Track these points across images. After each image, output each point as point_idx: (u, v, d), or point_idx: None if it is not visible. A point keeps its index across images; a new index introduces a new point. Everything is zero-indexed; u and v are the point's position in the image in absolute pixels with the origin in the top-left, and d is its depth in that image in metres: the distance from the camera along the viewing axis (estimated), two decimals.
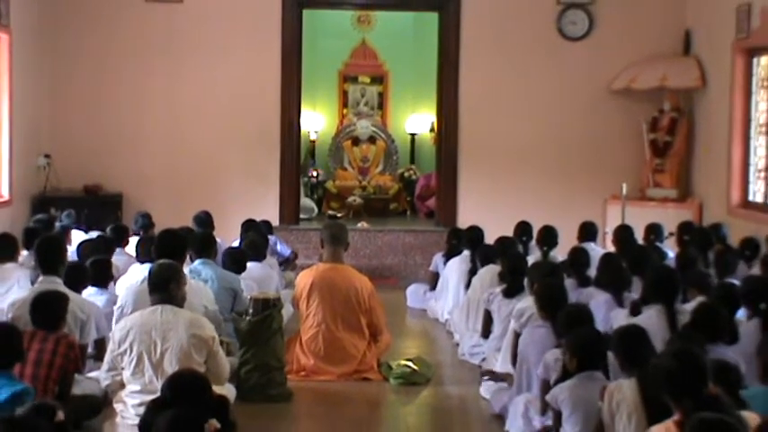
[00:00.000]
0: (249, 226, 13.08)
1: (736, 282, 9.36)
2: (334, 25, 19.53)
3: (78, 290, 9.39)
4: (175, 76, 15.77)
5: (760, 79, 14.17)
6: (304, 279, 10.65)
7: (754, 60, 14.26)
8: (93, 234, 12.40)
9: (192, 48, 15.72)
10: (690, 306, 8.77)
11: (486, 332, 10.83)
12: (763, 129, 14.05)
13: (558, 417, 7.60)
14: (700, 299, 9.06)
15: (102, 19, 15.68)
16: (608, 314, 9.20)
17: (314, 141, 19.99)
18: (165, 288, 8.32)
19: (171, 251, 9.80)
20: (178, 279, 8.44)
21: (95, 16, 15.68)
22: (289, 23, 15.98)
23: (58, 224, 12.85)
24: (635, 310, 8.93)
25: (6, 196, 14.40)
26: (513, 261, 10.87)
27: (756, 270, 10.38)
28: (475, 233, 12.97)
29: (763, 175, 14.05)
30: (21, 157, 14.70)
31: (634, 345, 7.11)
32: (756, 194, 14.19)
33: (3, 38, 14.11)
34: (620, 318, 8.79)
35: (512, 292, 10.37)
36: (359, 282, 10.62)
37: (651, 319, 8.41)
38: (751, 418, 5.66)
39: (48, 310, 8.08)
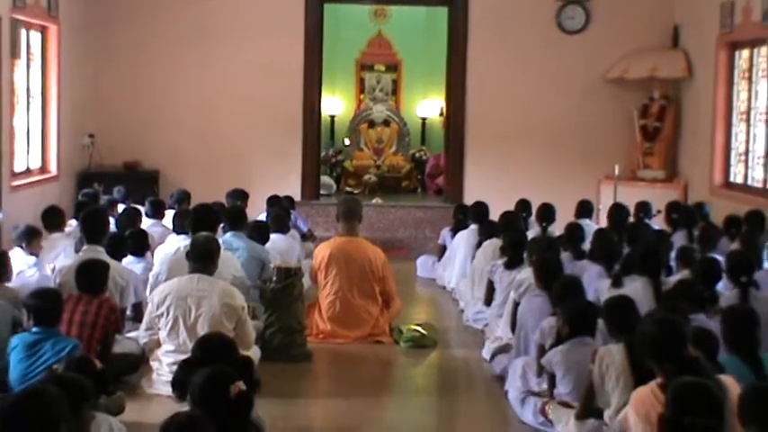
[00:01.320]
0: (273, 201, 13.11)
1: (719, 256, 9.39)
2: (353, 18, 19.49)
3: (118, 258, 9.45)
4: (207, 63, 15.77)
5: (741, 71, 14.14)
6: (322, 251, 10.68)
7: (737, 53, 14.24)
8: (133, 207, 12.45)
9: (221, 38, 15.70)
10: (674, 278, 8.83)
11: (488, 300, 10.85)
12: (744, 116, 14.02)
13: (552, 378, 7.64)
14: (684, 272, 9.10)
15: (141, 11, 15.69)
16: (599, 284, 9.21)
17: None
18: (205, 260, 8.40)
19: (206, 224, 9.88)
20: (217, 253, 8.52)
21: (135, 8, 15.68)
22: (311, 16, 15.96)
23: (105, 198, 12.91)
24: (617, 281, 8.98)
25: (55, 172, 14.43)
26: (514, 236, 10.90)
27: (737, 245, 10.38)
28: (480, 208, 12.99)
29: (742, 158, 14.05)
30: (67, 136, 14.72)
31: (622, 313, 7.13)
32: (737, 176, 14.19)
33: (52, 29, 14.14)
34: (608, 288, 8.81)
35: (512, 264, 10.39)
36: (372, 253, 10.66)
37: (638, 291, 8.44)
38: (728, 381, 5.69)
39: (91, 276, 8.14)
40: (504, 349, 9.38)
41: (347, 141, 19.58)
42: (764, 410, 4.93)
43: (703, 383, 4.71)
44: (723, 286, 8.54)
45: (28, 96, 13.71)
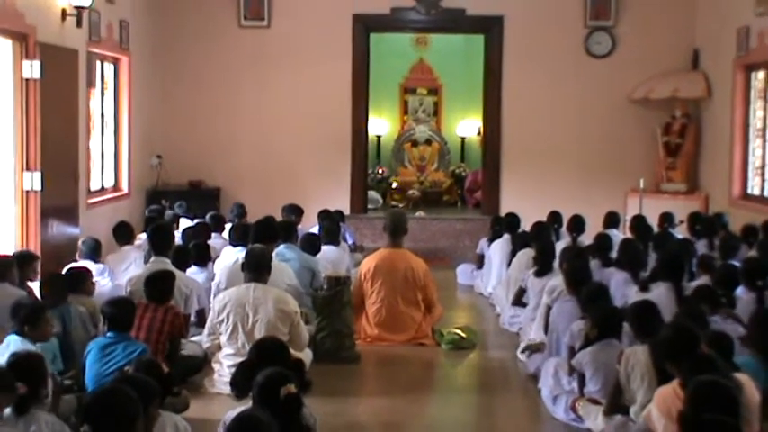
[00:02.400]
0: (324, 215, 13.14)
1: (737, 263, 9.33)
2: (397, 46, 19.52)
3: (183, 268, 9.52)
4: (263, 89, 15.84)
5: (757, 91, 14.05)
6: (368, 263, 10.69)
7: (752, 75, 14.15)
8: (196, 221, 12.55)
9: (276, 65, 15.78)
10: (695, 284, 8.78)
11: (516, 301, 10.94)
12: (760, 133, 13.92)
13: (581, 377, 7.62)
14: (705, 278, 9.05)
15: (203, 42, 15.80)
16: (626, 290, 9.18)
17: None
18: (259, 270, 8.46)
19: (267, 236, 9.97)
20: (269, 263, 8.59)
21: (198, 40, 15.79)
22: (358, 44, 16.01)
23: (169, 213, 13.02)
24: (644, 287, 8.94)
25: (126, 190, 14.56)
26: (544, 246, 10.88)
27: (755, 253, 10.31)
28: (512, 219, 13.02)
29: (759, 172, 13.96)
30: (137, 157, 14.85)
31: (646, 316, 7.12)
32: (754, 188, 14.08)
33: (124, 60, 14.29)
34: (632, 293, 8.78)
35: (542, 271, 10.39)
36: (415, 263, 10.66)
37: (661, 295, 8.41)
38: (744, 379, 5.65)
39: (159, 286, 8.22)
40: (536, 348, 9.39)
41: (381, 170, 19.53)
42: None
43: (720, 382, 4.69)
44: (741, 291, 8.48)
45: (102, 121, 13.83)
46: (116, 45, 13.82)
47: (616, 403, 6.93)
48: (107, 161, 14.10)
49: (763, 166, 13.83)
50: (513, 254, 12.17)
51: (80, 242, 10.55)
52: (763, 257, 9.83)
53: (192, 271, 9.95)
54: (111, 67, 14.15)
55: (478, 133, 18.73)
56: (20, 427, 5.29)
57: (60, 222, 11.56)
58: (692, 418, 4.46)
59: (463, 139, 20.23)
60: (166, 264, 9.16)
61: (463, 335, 10.41)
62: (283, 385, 5.01)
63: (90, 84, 12.98)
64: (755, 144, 14.07)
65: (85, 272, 8.80)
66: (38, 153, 10.81)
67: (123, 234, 11.10)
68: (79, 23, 11.92)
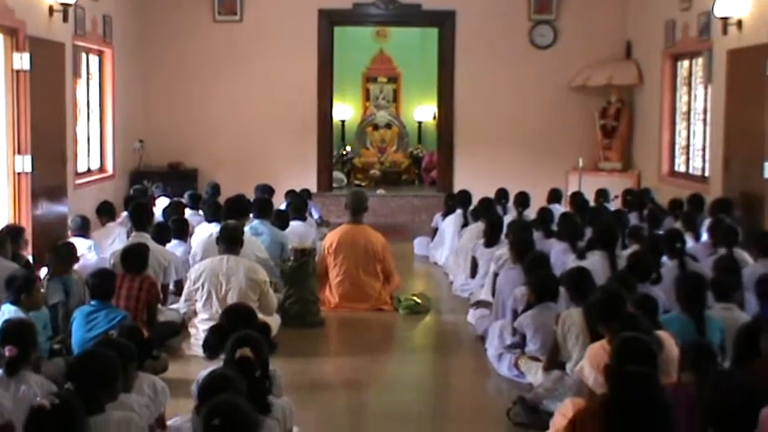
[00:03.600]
0: (291, 194, 13.15)
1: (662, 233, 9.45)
2: (359, 38, 19.41)
3: (163, 242, 9.53)
4: (236, 78, 15.76)
5: (682, 78, 14.16)
6: (331, 238, 10.71)
7: (678, 63, 14.25)
8: (175, 200, 12.53)
9: (248, 56, 15.70)
10: (627, 252, 8.87)
11: (472, 273, 10.91)
12: (685, 116, 14.03)
13: (523, 338, 7.69)
14: (635, 247, 9.14)
15: (180, 35, 15.69)
16: (565, 259, 9.26)
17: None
18: (232, 243, 8.49)
19: (237, 212, 9.98)
20: (241, 237, 8.63)
21: (176, 33, 15.68)
22: (323, 37, 15.95)
23: (150, 193, 12.98)
24: (580, 255, 9.02)
25: (111, 172, 14.44)
26: (493, 219, 10.94)
27: (680, 224, 10.41)
28: (464, 196, 13.04)
29: (684, 151, 14.07)
30: (121, 141, 14.73)
31: (580, 282, 7.18)
32: (680, 166, 14.20)
33: (108, 52, 14.16)
34: (570, 261, 8.86)
35: (490, 243, 10.46)
36: (374, 237, 10.69)
37: (596, 263, 8.48)
38: (665, 336, 5.74)
39: (133, 258, 8.22)
40: (484, 304, 9.45)
41: (348, 149, 19.51)
42: (698, 359, 5.02)
43: (641, 338, 4.76)
44: (666, 258, 8.58)
45: (88, 109, 13.72)
46: (100, 38, 13.70)
47: (554, 360, 6.99)
48: (93, 145, 13.98)
49: (687, 146, 13.95)
50: (464, 227, 12.24)
51: (70, 220, 10.53)
52: (688, 228, 9.97)
53: (172, 245, 9.94)
54: (96, 59, 14.02)
55: (434, 118, 18.73)
56: (11, 387, 5.31)
57: (50, 202, 11.49)
58: (616, 370, 4.53)
59: (420, 123, 20.20)
60: (146, 238, 9.16)
61: (419, 301, 10.47)
62: (240, 348, 5.03)
63: (76, 74, 12.86)
64: (681, 126, 14.19)
65: (72, 247, 8.79)
66: (28, 138, 10.73)
67: (106, 212, 11.08)
68: (65, 18, 11.80)
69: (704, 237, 9.90)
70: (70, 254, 8.40)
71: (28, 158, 10.72)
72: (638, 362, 4.48)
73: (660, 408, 4.24)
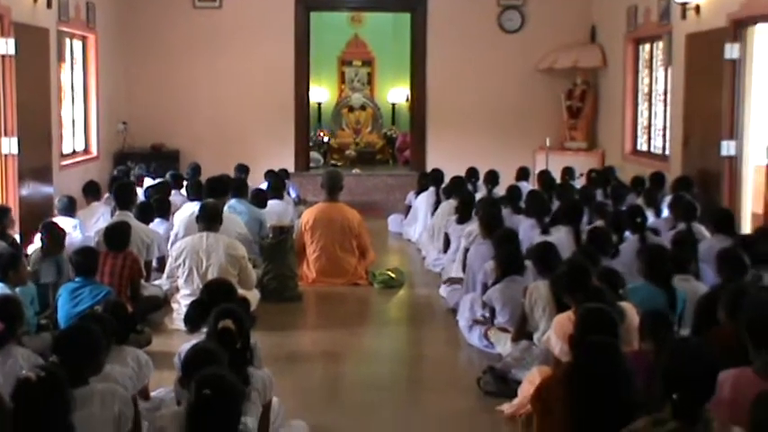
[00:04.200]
0: (270, 173, 13.12)
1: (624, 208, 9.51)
2: (334, 23, 19.30)
3: (146, 221, 9.48)
4: (217, 62, 15.67)
5: (644, 61, 14.17)
6: (307, 216, 10.69)
7: (640, 47, 14.26)
8: (157, 180, 12.49)
9: (228, 41, 15.59)
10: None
11: (445, 249, 10.92)
12: (647, 97, 14.04)
13: (492, 311, 7.72)
14: (599, 222, 9.17)
15: (162, 21, 15.58)
16: (532, 234, 9.27)
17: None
18: (211, 221, 8.48)
19: (217, 191, 9.95)
20: (220, 215, 8.60)
21: (157, 19, 15.56)
22: (300, 22, 15.87)
23: (133, 173, 12.92)
24: (546, 230, 9.05)
25: (95, 153, 14.37)
26: (464, 197, 10.95)
27: (641, 200, 10.46)
28: (436, 174, 13.02)
29: (646, 130, 14.11)
30: (105, 124, 14.64)
31: (546, 256, 7.20)
32: (642, 145, 14.23)
33: (91, 37, 14.04)
34: (538, 236, 8.88)
35: (462, 219, 10.46)
36: (350, 214, 10.68)
37: (562, 238, 8.52)
38: (627, 307, 5.77)
39: (115, 236, 8.19)
40: (456, 281, 9.47)
41: (321, 134, 19.44)
42: (656, 328, 5.05)
43: (603, 309, 4.78)
44: (628, 233, 8.62)
45: (72, 92, 13.61)
46: (83, 24, 13.58)
47: (522, 331, 7.02)
48: (77, 127, 13.89)
49: (649, 126, 13.99)
50: (436, 204, 12.24)
51: (57, 200, 10.47)
52: (649, 204, 10.02)
53: (156, 223, 9.89)
54: (80, 43, 13.89)
55: (407, 100, 18.68)
56: None
57: (36, 182, 11.42)
58: (580, 340, 4.55)
59: (394, 104, 20.14)
60: (129, 217, 9.13)
61: (393, 275, 10.48)
62: (222, 320, 5.03)
63: (60, 59, 12.75)
64: (643, 107, 14.21)
65: (58, 228, 8.74)
66: (14, 121, 10.64)
67: (92, 192, 11.01)
68: (49, 5, 11.70)
69: (665, 212, 9.97)
70: (61, 234, 8.37)
71: (14, 140, 10.64)
72: (600, 332, 4.51)
73: (621, 375, 4.28)
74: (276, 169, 13.56)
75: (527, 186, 12.17)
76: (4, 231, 8.64)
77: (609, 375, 4.28)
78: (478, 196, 11.56)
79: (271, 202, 11.33)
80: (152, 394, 5.87)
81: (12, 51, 10.52)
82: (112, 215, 9.81)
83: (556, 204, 10.11)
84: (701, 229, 8.87)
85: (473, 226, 9.71)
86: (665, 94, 13.12)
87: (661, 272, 6.66)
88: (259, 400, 4.91)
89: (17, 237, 9.45)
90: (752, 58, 10.69)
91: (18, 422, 3.77)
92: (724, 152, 10.82)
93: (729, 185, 10.83)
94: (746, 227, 10.55)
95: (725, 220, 8.50)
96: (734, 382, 4.09)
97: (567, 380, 4.50)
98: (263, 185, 12.23)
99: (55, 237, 8.21)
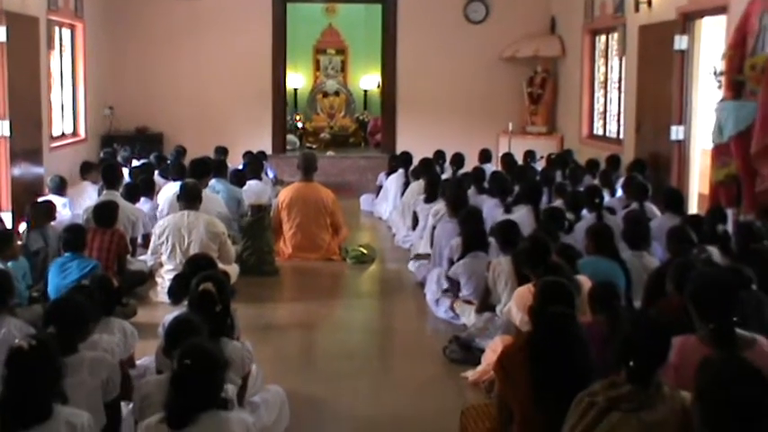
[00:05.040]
0: (248, 155, 13.09)
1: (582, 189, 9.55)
2: (310, 14, 19.16)
3: (132, 200, 9.45)
4: (198, 50, 15.56)
5: (600, 51, 14.21)
6: (284, 194, 10.69)
7: (597, 38, 14.29)
8: (142, 161, 12.42)
9: (208, 30, 15.48)
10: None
11: (413, 226, 10.94)
12: (603, 85, 14.09)
13: (457, 284, 7.75)
14: (558, 201, 9.22)
15: (146, 10, 15.44)
16: (495, 213, 9.30)
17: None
18: (191, 200, 8.45)
19: (200, 172, 9.92)
20: (200, 195, 8.58)
21: (142, 8, 15.42)
22: (277, 12, 15.78)
23: (121, 155, 12.85)
24: (508, 209, 9.08)
25: (83, 136, 14.26)
26: (432, 178, 10.96)
27: (597, 181, 10.52)
28: (406, 156, 13.02)
29: (601, 116, 14.15)
30: (92, 108, 14.54)
31: (509, 232, 7.23)
32: (598, 129, 14.27)
33: (79, 26, 13.92)
34: (500, 215, 8.91)
35: (429, 199, 10.47)
36: (324, 194, 10.69)
37: (523, 216, 8.55)
38: (582, 279, 5.81)
39: (103, 213, 8.15)
40: (423, 257, 9.49)
41: (298, 118, 19.37)
42: (605, 300, 5.10)
43: (561, 282, 4.82)
44: (585, 212, 8.66)
45: (61, 78, 13.50)
46: (72, 13, 13.45)
47: (485, 303, 7.06)
48: (66, 111, 13.79)
49: (604, 112, 14.03)
50: (406, 185, 12.25)
51: (49, 179, 10.40)
52: (603, 185, 10.07)
53: (141, 202, 9.84)
54: (68, 32, 13.77)
55: (378, 86, 18.64)
56: None
57: (27, 163, 11.33)
58: (540, 310, 4.59)
59: (366, 91, 20.10)
60: (116, 196, 9.09)
61: (365, 251, 10.51)
62: (203, 283, 5.03)
63: (50, 46, 12.63)
64: (599, 94, 14.25)
65: (51, 203, 8.69)
66: (6, 105, 10.54)
67: (86, 171, 10.97)
68: None
69: (619, 192, 10.03)
70: (49, 209, 8.38)
71: (6, 123, 10.54)
72: (559, 303, 4.53)
73: (577, 342, 4.32)
74: (254, 151, 13.53)
75: (490, 168, 12.20)
76: None
77: (566, 343, 4.32)
78: (445, 177, 11.59)
79: (249, 182, 11.31)
80: (138, 362, 5.86)
81: (3, 39, 10.43)
82: (100, 194, 9.75)
83: (516, 185, 10.13)
84: (653, 208, 8.94)
85: (440, 205, 9.73)
86: (620, 82, 13.16)
87: (608, 246, 6.72)
88: (239, 373, 4.92)
89: (9, 215, 9.41)
90: (699, 48, 10.77)
91: (11, 389, 3.76)
92: (673, 137, 10.89)
93: (678, 168, 10.91)
94: (693, 206, 10.65)
95: (674, 200, 8.57)
96: (680, 348, 4.14)
97: (527, 347, 4.54)
98: (241, 166, 12.20)
99: (40, 210, 8.23)
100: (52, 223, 8.45)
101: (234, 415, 3.88)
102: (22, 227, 8.80)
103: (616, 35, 13.20)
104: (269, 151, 15.21)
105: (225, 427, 3.78)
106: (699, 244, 6.70)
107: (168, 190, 10.29)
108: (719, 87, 9.39)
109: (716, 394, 3.17)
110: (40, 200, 8.71)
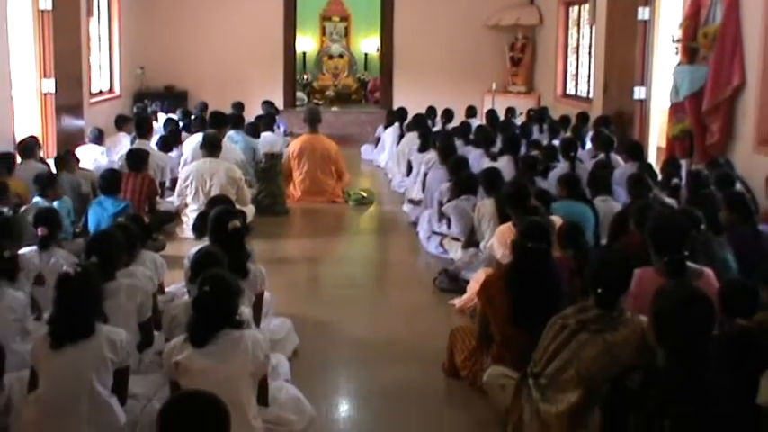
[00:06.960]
0: (267, 104, 13.05)
1: (557, 141, 9.54)
2: None
3: (166, 150, 9.48)
4: (219, 17, 15.44)
5: (573, 20, 14.09)
6: (294, 145, 10.67)
7: (570, 9, 14.17)
8: (170, 115, 12.36)
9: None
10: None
11: (408, 173, 10.94)
12: (575, 50, 14.02)
13: (448, 220, 7.75)
14: (535, 152, 9.20)
15: None
16: (480, 161, 9.29)
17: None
18: (212, 149, 8.42)
19: (218, 124, 9.88)
20: (220, 144, 8.55)
21: None
22: None
23: (150, 109, 12.79)
24: (492, 158, 9.06)
25: (118, 93, 14.18)
26: (424, 131, 10.94)
27: (569, 134, 10.48)
28: (401, 111, 12.96)
29: (573, 78, 14.08)
30: (126, 68, 14.44)
31: (493, 178, 7.22)
32: (571, 89, 14.21)
33: None
34: (485, 163, 8.89)
35: (423, 149, 10.45)
36: (329, 144, 10.67)
37: (504, 165, 8.54)
38: (556, 220, 5.81)
39: (135, 159, 8.14)
40: (416, 202, 9.51)
41: (306, 76, 19.21)
42: (572, 237, 5.12)
43: (540, 221, 4.82)
44: (561, 162, 8.66)
45: (99, 41, 13.41)
46: None
47: (471, 240, 7.06)
48: (103, 71, 13.70)
49: (576, 74, 13.96)
50: (401, 137, 12.20)
51: (89, 131, 10.36)
52: (575, 138, 10.03)
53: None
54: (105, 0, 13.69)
55: (377, 50, 18.46)
56: (43, 258, 5.33)
57: (69, 116, 11.30)
58: (520, 245, 4.60)
59: (366, 54, 19.88)
60: (147, 145, 9.11)
61: (365, 194, 10.51)
62: (230, 221, 5.04)
63: (89, 13, 12.53)
64: (572, 58, 14.17)
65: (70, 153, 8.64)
66: (52, 65, 10.52)
67: (122, 123, 10.90)
68: None
69: (588, 145, 10.01)
70: (74, 158, 8.39)
71: (52, 81, 10.55)
72: (536, 239, 4.54)
73: (551, 273, 4.35)
74: (271, 102, 13.47)
75: (476, 122, 12.15)
76: (41, 157, 8.60)
77: (542, 272, 4.36)
78: (436, 130, 11.55)
79: (263, 134, 11.24)
80: (167, 289, 5.89)
81: (49, 7, 10.41)
82: (132, 144, 9.72)
83: (499, 137, 10.10)
84: (617, 159, 8.95)
85: (431, 154, 9.72)
86: (590, 47, 13.08)
87: (577, 191, 6.73)
88: (253, 290, 4.95)
89: (53, 162, 9.38)
90: (659, 19, 10.68)
91: (60, 309, 3.82)
92: (636, 96, 10.84)
93: (640, 123, 10.87)
94: (653, 157, 10.63)
95: (636, 151, 8.59)
96: (639, 279, 4.18)
97: (506, 276, 4.58)
98: (259, 115, 12.16)
99: (68, 161, 8.20)
100: (91, 168, 8.43)
101: (247, 332, 3.93)
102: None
103: (587, 6, 13.08)
104: (281, 106, 15.10)
105: (239, 342, 3.82)
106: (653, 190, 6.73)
107: (192, 140, 10.26)
108: (677, 53, 9.38)
109: (669, 315, 3.22)
110: (65, 152, 8.67)
